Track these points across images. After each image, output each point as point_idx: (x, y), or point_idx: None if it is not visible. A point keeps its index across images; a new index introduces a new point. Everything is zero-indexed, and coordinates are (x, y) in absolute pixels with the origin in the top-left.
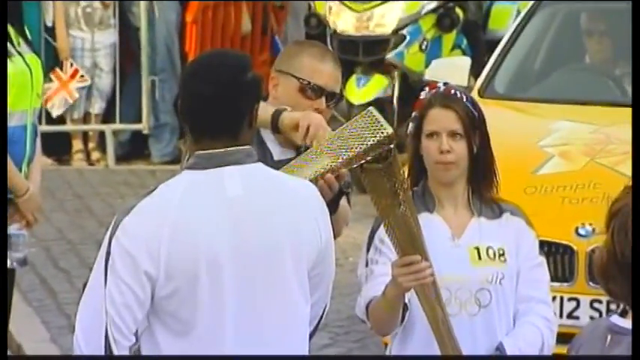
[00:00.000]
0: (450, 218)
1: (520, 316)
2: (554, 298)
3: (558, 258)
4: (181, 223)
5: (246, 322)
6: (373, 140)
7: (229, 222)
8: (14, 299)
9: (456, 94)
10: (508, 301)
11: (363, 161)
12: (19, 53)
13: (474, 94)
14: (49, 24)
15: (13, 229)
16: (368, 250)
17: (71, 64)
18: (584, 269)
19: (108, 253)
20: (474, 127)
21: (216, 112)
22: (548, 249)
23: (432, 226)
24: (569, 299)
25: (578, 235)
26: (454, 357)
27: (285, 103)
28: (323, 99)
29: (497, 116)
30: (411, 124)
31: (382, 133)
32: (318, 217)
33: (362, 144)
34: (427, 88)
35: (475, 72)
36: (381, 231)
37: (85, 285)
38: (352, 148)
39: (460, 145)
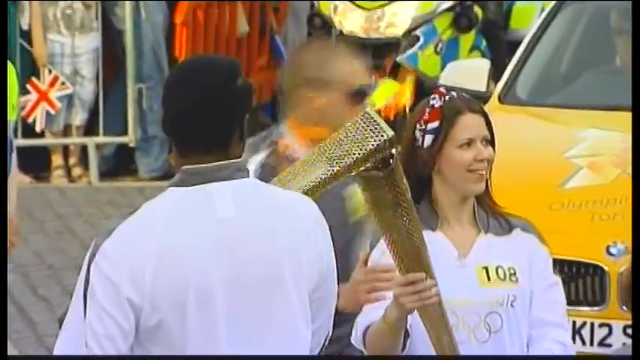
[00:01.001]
0: (454, 236)
1: (534, 342)
2: (583, 324)
3: (588, 280)
4: (167, 247)
5: (243, 353)
6: (373, 145)
7: (221, 245)
8: None
9: (472, 98)
10: (521, 325)
11: (362, 168)
12: None
13: (494, 100)
14: (25, 27)
15: None
16: None
17: (50, 71)
18: (617, 292)
19: (87, 281)
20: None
21: (203, 122)
22: (577, 270)
23: (434, 245)
24: (601, 325)
25: (610, 254)
26: (453, 357)
27: (331, 116)
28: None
29: (520, 124)
30: (428, 136)
31: (382, 136)
32: (318, 236)
33: (361, 149)
34: (436, 96)
35: (495, 76)
36: (375, 253)
37: (61, 319)
38: (350, 154)
39: (490, 150)
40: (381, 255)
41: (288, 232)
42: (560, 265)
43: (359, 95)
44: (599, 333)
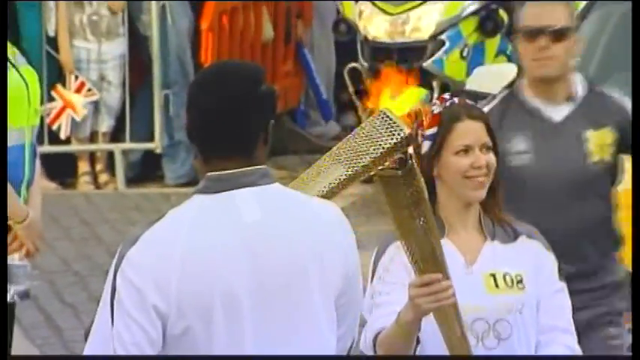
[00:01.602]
0: (460, 243)
1: (542, 348)
2: None
3: None
4: (192, 253)
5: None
6: (390, 143)
7: (246, 250)
8: (16, 336)
9: (474, 104)
10: (529, 332)
11: (380, 167)
12: (14, 66)
13: None
14: (52, 34)
15: (13, 259)
16: (371, 279)
17: (76, 78)
18: None
19: (114, 289)
20: (494, 138)
21: (227, 128)
22: None
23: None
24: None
25: None
26: (457, 357)
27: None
28: None
29: None
30: (426, 142)
31: (399, 134)
32: (342, 241)
33: (378, 148)
34: (438, 102)
35: None
36: (386, 259)
37: (87, 329)
38: (368, 153)
39: (491, 157)
40: (390, 261)
41: (313, 237)
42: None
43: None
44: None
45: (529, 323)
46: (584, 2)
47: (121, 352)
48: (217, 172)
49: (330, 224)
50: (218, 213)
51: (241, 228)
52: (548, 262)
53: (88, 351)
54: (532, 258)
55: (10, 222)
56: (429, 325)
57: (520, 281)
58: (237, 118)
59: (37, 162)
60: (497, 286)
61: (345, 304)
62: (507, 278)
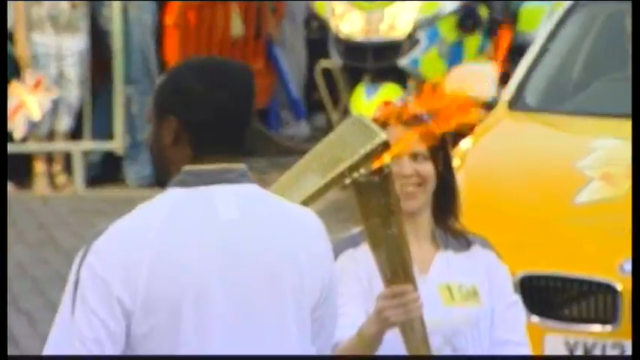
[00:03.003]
0: (413, 253)
1: None
2: (594, 345)
3: (600, 298)
4: (165, 247)
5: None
6: (366, 148)
7: (221, 249)
8: None
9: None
10: (484, 345)
11: (355, 174)
12: None
13: (503, 107)
14: (8, 27)
15: None
16: None
17: (32, 73)
18: (630, 310)
19: (76, 281)
20: (438, 148)
21: (237, 125)
22: (588, 288)
23: None
24: (613, 345)
25: (623, 271)
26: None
27: None
28: None
29: (529, 132)
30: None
31: (375, 140)
32: (321, 251)
33: (354, 153)
34: (382, 105)
35: (503, 81)
36: (337, 269)
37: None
38: (344, 160)
39: (425, 166)
40: (342, 271)
41: (291, 242)
42: (570, 283)
43: None
44: (611, 353)
45: (484, 336)
46: (569, 2)
47: (79, 348)
48: (196, 167)
49: (309, 232)
50: (194, 208)
51: (216, 225)
52: (502, 273)
53: (48, 350)
54: (485, 268)
55: None
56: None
57: (475, 292)
58: (245, 115)
59: None
60: (452, 297)
61: (319, 318)
62: (463, 289)
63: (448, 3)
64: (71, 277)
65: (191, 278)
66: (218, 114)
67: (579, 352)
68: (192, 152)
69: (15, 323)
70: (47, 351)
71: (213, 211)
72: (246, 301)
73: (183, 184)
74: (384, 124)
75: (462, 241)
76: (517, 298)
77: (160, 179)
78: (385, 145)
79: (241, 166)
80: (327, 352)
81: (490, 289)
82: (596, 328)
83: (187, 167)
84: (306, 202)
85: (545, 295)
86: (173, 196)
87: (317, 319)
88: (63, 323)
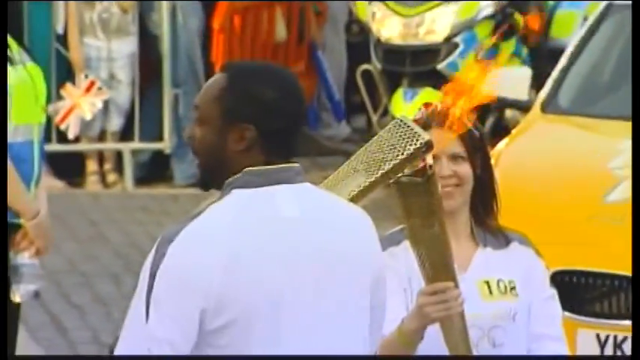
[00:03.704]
0: (452, 251)
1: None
2: (624, 339)
3: (622, 294)
4: (236, 248)
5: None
6: (410, 149)
7: (286, 247)
8: (21, 337)
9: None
10: (521, 339)
11: (400, 174)
12: (20, 63)
13: (536, 110)
14: (60, 31)
15: (23, 258)
16: None
17: (86, 76)
18: None
19: (150, 285)
20: (476, 149)
21: (298, 131)
22: (619, 284)
23: None
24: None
25: None
26: (453, 357)
27: None
28: None
29: (562, 134)
30: None
31: (419, 140)
32: (373, 247)
33: (398, 155)
34: (422, 108)
35: (537, 84)
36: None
37: (112, 346)
38: (387, 161)
39: (463, 167)
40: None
41: (349, 236)
42: (601, 279)
43: None
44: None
45: (521, 330)
46: (603, 3)
47: (155, 350)
48: (258, 168)
49: (362, 228)
50: (259, 209)
51: (281, 223)
52: (540, 268)
53: (120, 350)
54: (524, 264)
55: (17, 220)
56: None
57: (513, 288)
58: (303, 122)
59: (43, 159)
60: (491, 293)
61: (372, 309)
62: (501, 285)
63: (484, 3)
64: (144, 280)
65: (263, 275)
66: (291, 121)
67: (610, 346)
68: (264, 158)
69: (65, 316)
70: (119, 351)
71: (276, 210)
72: (311, 296)
73: (247, 184)
74: (424, 126)
75: (500, 238)
76: (554, 293)
77: (209, 182)
78: (428, 146)
79: (296, 165)
80: (376, 344)
81: (527, 284)
82: (626, 323)
83: (249, 169)
84: (352, 201)
85: (577, 291)
86: (239, 196)
87: (370, 310)
88: (136, 326)
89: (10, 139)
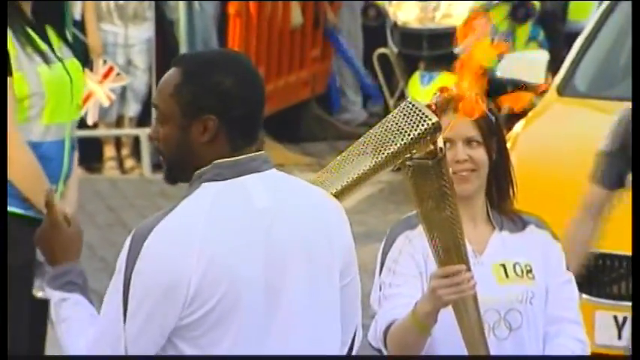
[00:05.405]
0: (469, 234)
1: (550, 338)
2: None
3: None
4: (212, 245)
5: (277, 342)
6: (417, 131)
7: (261, 236)
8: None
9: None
10: (538, 322)
11: (408, 155)
12: (59, 59)
13: (552, 93)
14: (78, 17)
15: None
16: (379, 271)
17: (104, 62)
18: None
19: (125, 285)
20: (492, 133)
21: (261, 117)
22: (628, 264)
23: None
24: None
25: None
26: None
27: None
28: None
29: (578, 117)
30: None
31: (427, 122)
32: (343, 230)
33: (406, 136)
34: (438, 92)
35: (553, 68)
36: (394, 250)
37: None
38: (395, 142)
39: (478, 152)
40: (399, 252)
41: (321, 222)
42: (618, 261)
43: None
44: None
45: (538, 313)
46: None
47: (129, 350)
48: (227, 159)
49: (333, 210)
50: (231, 202)
51: (254, 214)
52: (556, 252)
53: (90, 347)
54: (540, 247)
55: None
56: (444, 315)
57: (530, 271)
58: (263, 106)
59: (75, 154)
60: (507, 276)
61: (346, 286)
62: (517, 268)
63: None
64: (119, 273)
65: (239, 267)
66: (251, 106)
67: (627, 328)
68: (230, 146)
69: None
70: (89, 348)
71: (248, 202)
72: (290, 283)
73: (217, 177)
74: (440, 111)
75: (517, 221)
76: (571, 276)
77: (176, 177)
78: (436, 128)
79: (262, 153)
80: (355, 324)
81: (544, 268)
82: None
83: (218, 161)
84: (358, 183)
85: (594, 273)
86: (210, 190)
87: (344, 287)
88: (110, 324)
89: (39, 138)
